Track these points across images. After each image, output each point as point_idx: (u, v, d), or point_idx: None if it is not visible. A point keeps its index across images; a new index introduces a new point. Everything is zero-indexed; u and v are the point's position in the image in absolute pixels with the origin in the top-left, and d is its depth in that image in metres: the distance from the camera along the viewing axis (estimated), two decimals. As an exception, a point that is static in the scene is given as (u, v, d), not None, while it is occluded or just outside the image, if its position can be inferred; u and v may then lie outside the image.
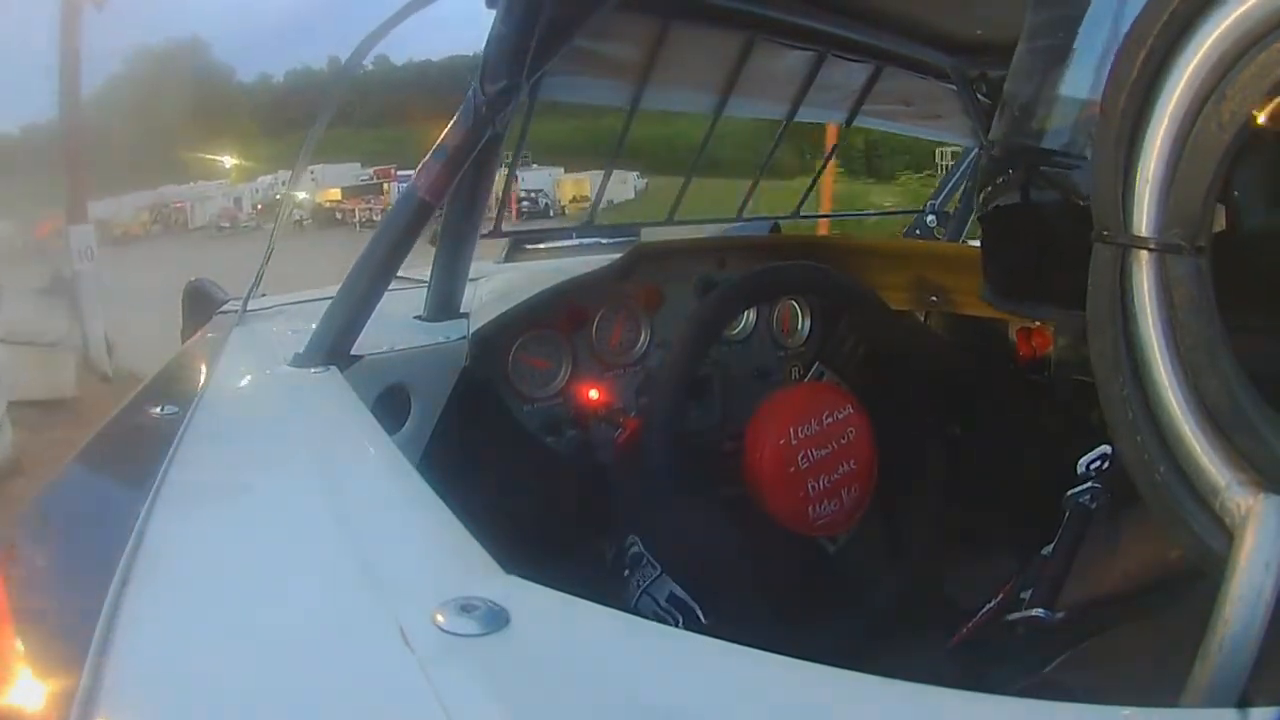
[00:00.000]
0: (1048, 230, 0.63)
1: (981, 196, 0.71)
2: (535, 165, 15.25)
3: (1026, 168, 0.64)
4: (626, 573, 0.96)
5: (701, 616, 0.88)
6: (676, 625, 0.86)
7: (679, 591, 0.91)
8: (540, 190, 17.00)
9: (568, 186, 17.49)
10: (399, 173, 16.45)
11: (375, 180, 18.94)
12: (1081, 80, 0.56)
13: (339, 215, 18.16)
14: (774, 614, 0.94)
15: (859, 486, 1.06)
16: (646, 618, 0.84)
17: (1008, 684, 0.61)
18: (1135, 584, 0.61)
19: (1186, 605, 0.40)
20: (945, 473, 1.13)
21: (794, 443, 1.01)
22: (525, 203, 16.38)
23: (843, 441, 1.05)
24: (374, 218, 15.56)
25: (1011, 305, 0.70)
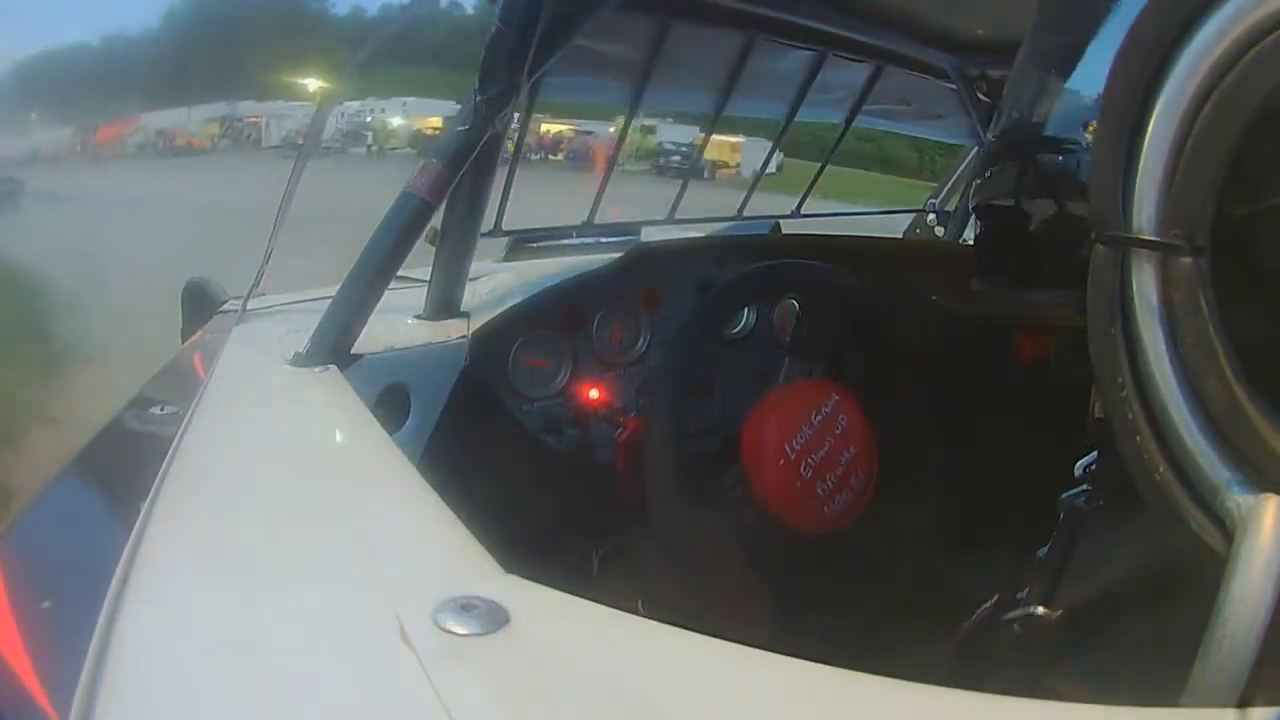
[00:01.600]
0: (1038, 218, 0.63)
1: (975, 186, 0.71)
2: (670, 119, 12.82)
3: (1022, 158, 0.64)
4: None
5: None
6: None
7: None
8: (687, 145, 13.20)
9: (723, 148, 14.05)
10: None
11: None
12: (1081, 78, 0.57)
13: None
14: (775, 612, 0.94)
15: (864, 469, 1.06)
16: None
17: (1006, 683, 0.61)
18: (1132, 583, 0.61)
19: (1186, 605, 0.40)
20: (944, 472, 1.13)
21: (792, 456, 1.01)
22: (673, 157, 13.66)
23: (837, 432, 1.05)
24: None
25: (999, 291, 0.71)
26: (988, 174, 0.69)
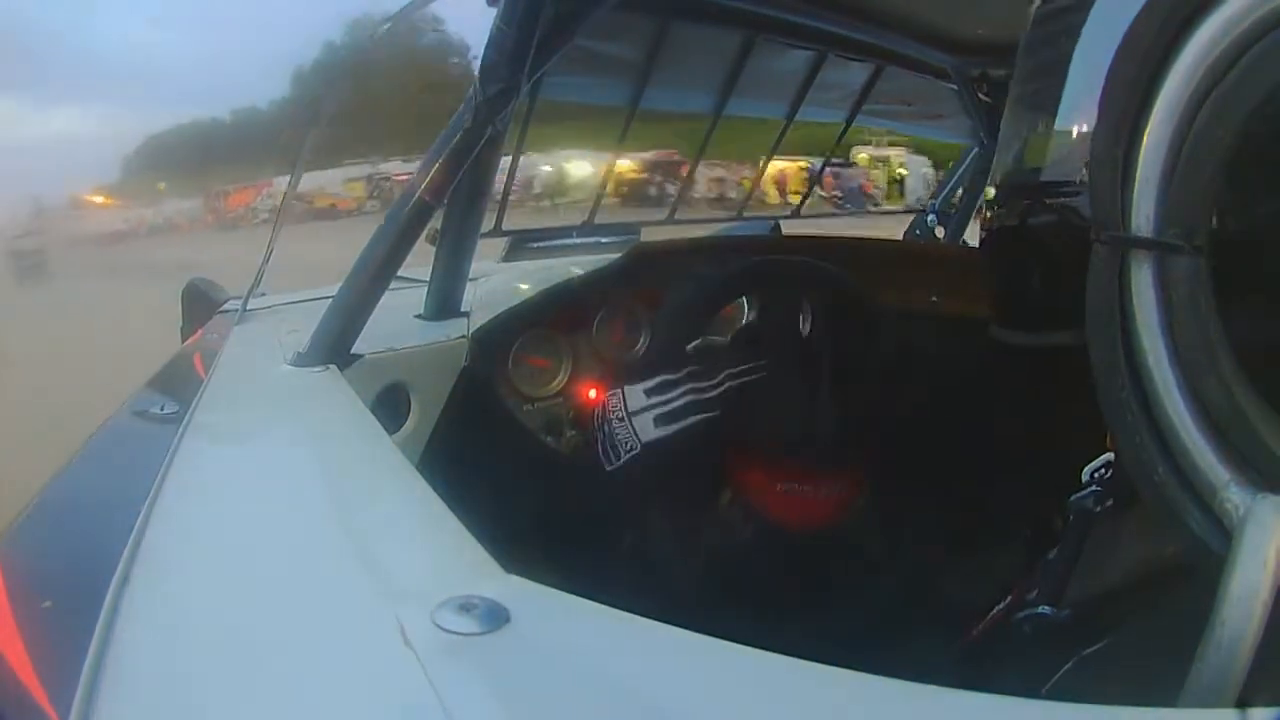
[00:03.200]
0: (1056, 258, 0.63)
1: (986, 229, 0.71)
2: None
3: (1032, 199, 0.64)
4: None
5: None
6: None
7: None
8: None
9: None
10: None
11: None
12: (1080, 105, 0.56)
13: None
14: (776, 610, 0.94)
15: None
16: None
17: (1016, 684, 0.61)
18: (1142, 580, 0.61)
19: (1189, 604, 0.40)
20: (944, 472, 1.13)
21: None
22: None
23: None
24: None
25: (1023, 337, 0.71)
26: (1000, 215, 0.69)
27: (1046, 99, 0.58)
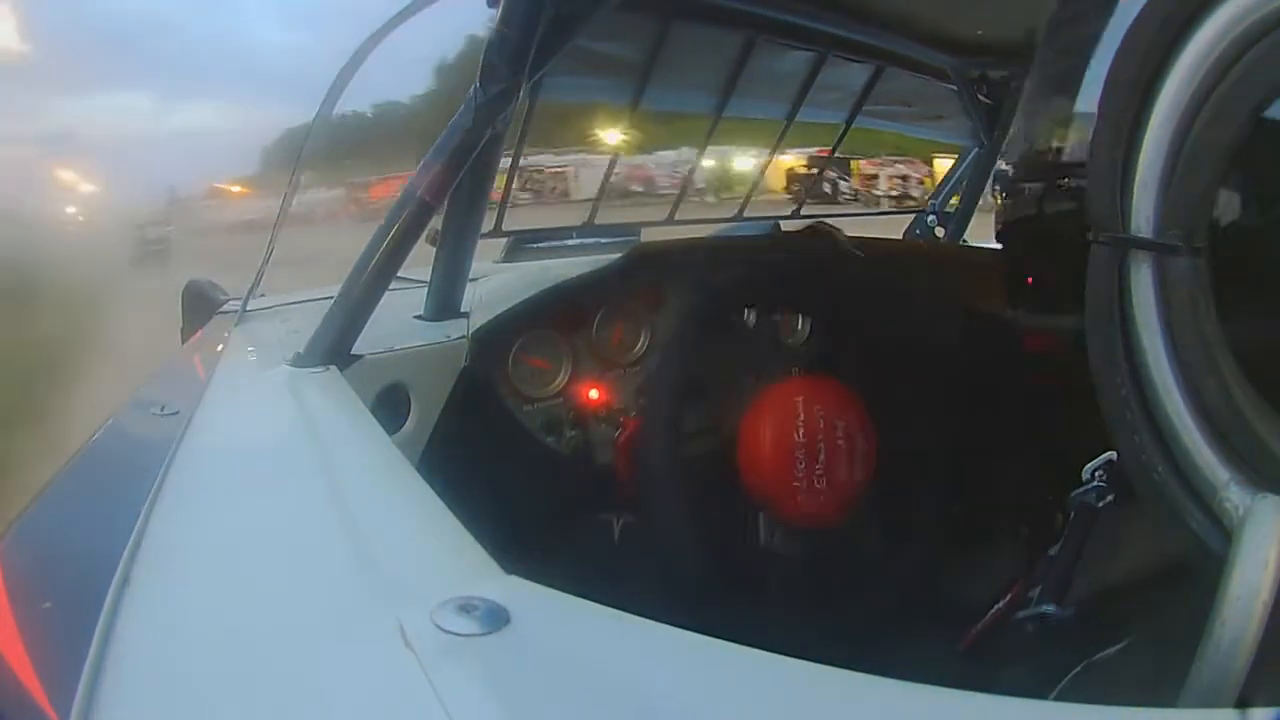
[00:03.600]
0: (1069, 243, 0.63)
1: (1001, 211, 0.71)
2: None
3: (1046, 181, 0.64)
4: None
5: None
6: None
7: None
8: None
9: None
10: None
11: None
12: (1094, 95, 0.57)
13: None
14: (777, 610, 0.94)
15: (863, 468, 1.08)
16: None
17: (1019, 682, 0.61)
18: (1144, 579, 0.61)
19: (1189, 604, 0.40)
20: (946, 472, 1.13)
21: (790, 453, 1.02)
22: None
23: (837, 433, 1.06)
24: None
25: (1034, 318, 0.71)
26: (1016, 202, 0.69)
27: (1068, 81, 0.58)
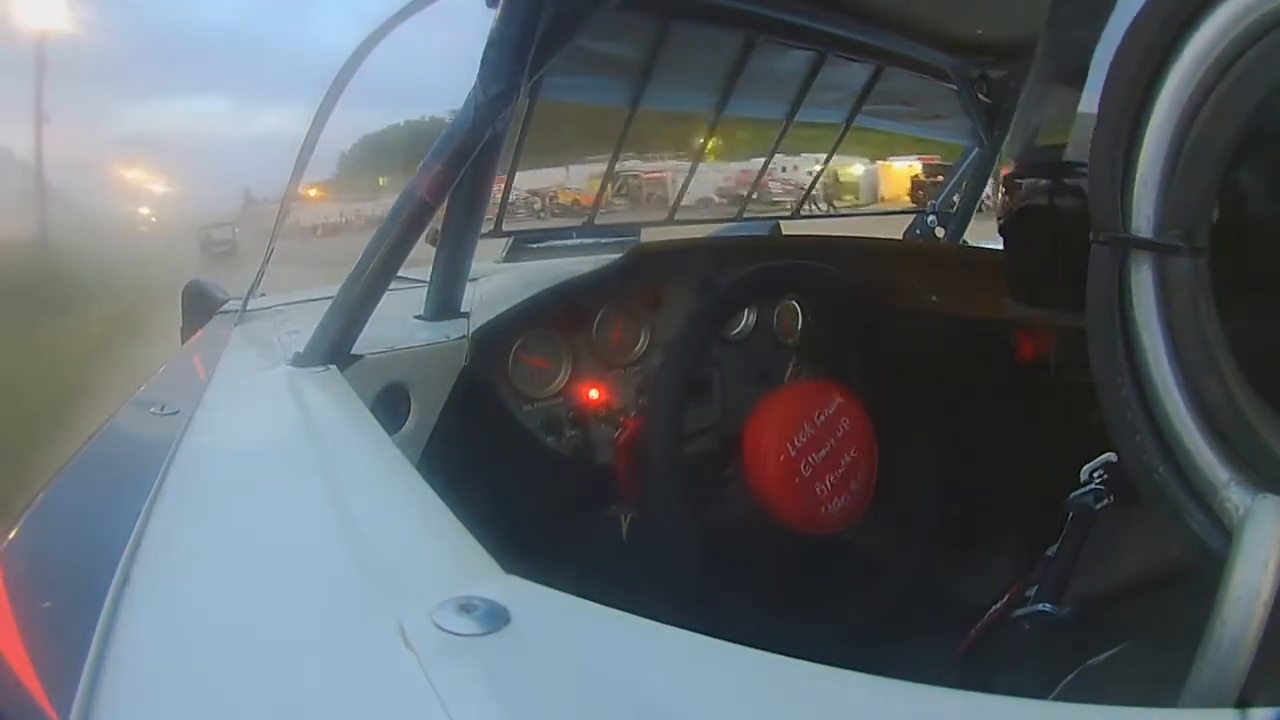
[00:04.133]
0: (1069, 236, 0.63)
1: (1002, 205, 0.71)
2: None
3: (1047, 177, 0.64)
4: None
5: None
6: None
7: None
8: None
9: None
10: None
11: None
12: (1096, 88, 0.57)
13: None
14: (779, 611, 0.94)
15: (865, 472, 1.07)
16: None
17: (1016, 682, 0.61)
18: (1143, 579, 0.61)
19: (1190, 605, 0.40)
20: (945, 472, 1.13)
21: (793, 455, 1.02)
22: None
23: (839, 434, 1.06)
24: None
25: (1035, 311, 0.71)
26: (1016, 192, 0.69)
27: (1068, 81, 0.58)
